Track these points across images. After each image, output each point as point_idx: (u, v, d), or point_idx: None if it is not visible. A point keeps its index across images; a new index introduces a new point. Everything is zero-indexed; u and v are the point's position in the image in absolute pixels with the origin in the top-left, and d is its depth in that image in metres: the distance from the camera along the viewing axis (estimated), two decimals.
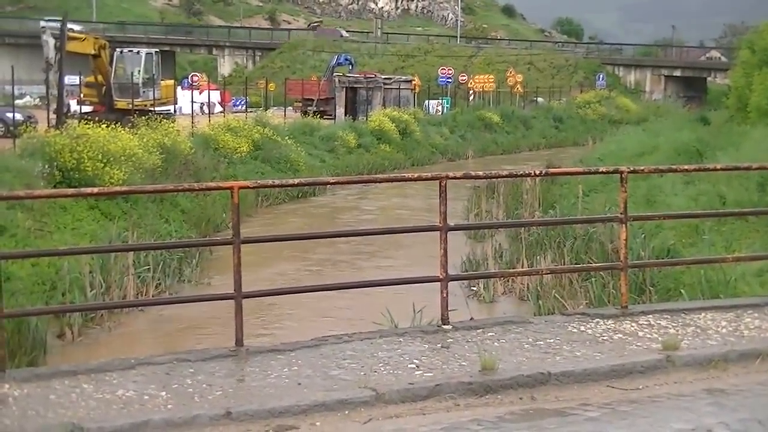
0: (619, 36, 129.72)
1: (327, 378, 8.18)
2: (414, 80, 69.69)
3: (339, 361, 8.67)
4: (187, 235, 27.88)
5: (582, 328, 9.72)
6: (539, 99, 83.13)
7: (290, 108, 63.56)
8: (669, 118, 58.66)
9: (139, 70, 44.74)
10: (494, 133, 67.03)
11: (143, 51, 46.59)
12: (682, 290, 18.63)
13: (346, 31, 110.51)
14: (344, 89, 62.02)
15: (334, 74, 67.86)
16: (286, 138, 45.06)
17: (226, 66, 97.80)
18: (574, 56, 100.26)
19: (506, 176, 12.33)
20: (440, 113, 69.98)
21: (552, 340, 9.26)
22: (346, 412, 7.52)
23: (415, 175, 10.16)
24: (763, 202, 22.81)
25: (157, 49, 49.22)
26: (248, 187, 9.12)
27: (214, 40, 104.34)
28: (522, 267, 22.67)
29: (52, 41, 35.59)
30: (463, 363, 8.54)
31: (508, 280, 22.94)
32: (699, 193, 26.33)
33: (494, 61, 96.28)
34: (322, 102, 64.64)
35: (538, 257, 23.26)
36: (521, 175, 11.77)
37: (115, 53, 44.75)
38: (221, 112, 58.76)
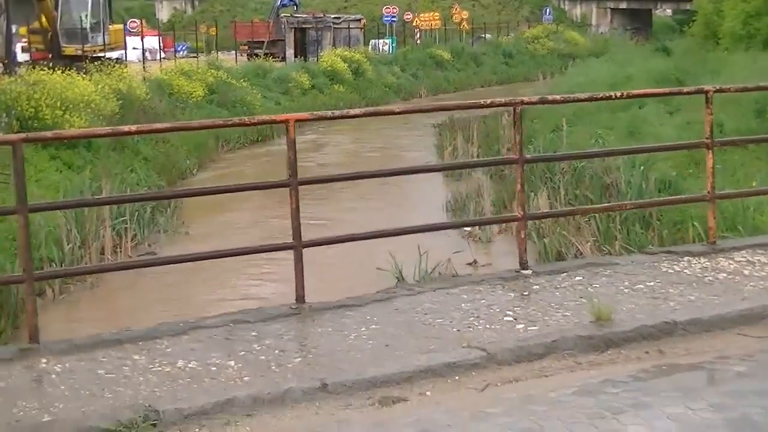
0: None
1: (418, 337, 7.06)
2: (363, 19, 68.11)
3: (420, 316, 7.55)
4: (155, 184, 26.55)
5: (677, 268, 8.65)
6: (486, 35, 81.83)
7: (233, 52, 61.84)
8: (624, 49, 57.73)
9: (86, 14, 42.83)
10: (445, 71, 65.76)
11: None
12: (695, 223, 17.66)
13: None
14: (293, 30, 60.25)
15: (281, 16, 66.09)
16: (241, 81, 43.57)
17: (164, 11, 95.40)
18: None
19: (585, 99, 11.22)
20: (386, 53, 68.50)
21: (652, 283, 8.19)
22: (457, 377, 6.42)
23: (488, 101, 8.99)
24: (763, 129, 21.92)
25: None
26: (305, 119, 7.92)
27: None
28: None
29: None
30: (566, 313, 7.46)
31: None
32: (688, 121, 25.40)
33: None
34: (270, 44, 62.91)
35: (533, 194, 22.12)
36: (601, 98, 10.50)
37: None
38: (163, 58, 56.97)
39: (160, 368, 6.61)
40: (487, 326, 7.23)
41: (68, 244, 18.63)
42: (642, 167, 21.63)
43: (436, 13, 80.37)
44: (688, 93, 10.88)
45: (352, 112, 8.46)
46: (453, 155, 30.04)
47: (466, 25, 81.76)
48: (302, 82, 49.16)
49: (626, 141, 26.15)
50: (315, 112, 7.84)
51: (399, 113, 8.46)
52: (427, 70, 63.79)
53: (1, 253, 17.43)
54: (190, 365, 6.64)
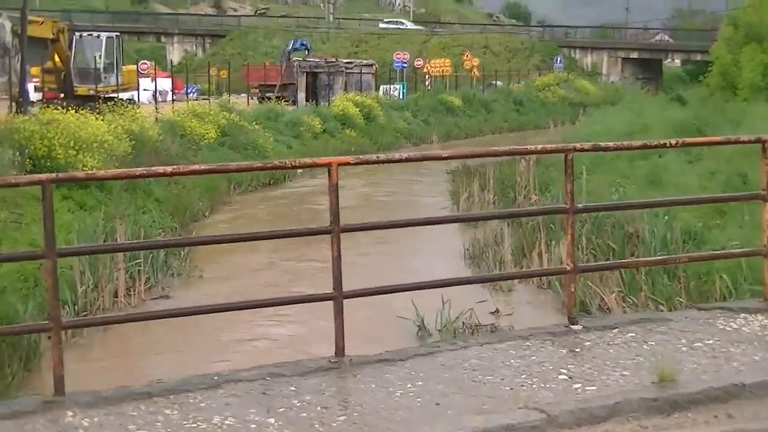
0: (564, 20, 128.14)
1: (468, 395, 6.62)
2: (374, 65, 68.02)
3: (469, 372, 7.11)
4: (169, 225, 26.14)
5: (734, 325, 8.20)
6: (497, 82, 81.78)
7: (243, 95, 61.68)
8: (638, 99, 57.43)
9: (100, 55, 42.66)
10: (456, 117, 65.53)
11: (104, 35, 44.36)
12: (723, 276, 17.21)
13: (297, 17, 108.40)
14: (305, 74, 60.18)
15: (292, 59, 66.02)
16: (253, 124, 43.29)
17: (175, 53, 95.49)
18: (530, 39, 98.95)
19: (638, 147, 10.67)
20: (397, 98, 68.32)
21: (711, 341, 7.74)
22: None
23: (539, 147, 8.56)
24: None
25: (118, 33, 47.07)
26: (348, 163, 7.51)
27: (162, 27, 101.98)
28: (537, 257, 21.16)
29: (9, 25, 33.61)
30: (625, 372, 7.00)
31: (522, 267, 21.46)
32: (712, 171, 25.04)
33: (449, 45, 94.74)
34: (281, 88, 62.78)
35: (553, 242, 21.67)
36: (655, 146, 10.02)
37: (74, 37, 42.62)
38: (174, 99, 56.76)
39: (194, 425, 6.17)
40: (542, 385, 6.79)
41: (81, 287, 18.24)
42: (666, 217, 21.21)
43: (447, 60, 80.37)
44: (747, 142, 10.35)
45: (397, 156, 8.07)
46: (469, 202, 29.61)
47: (476, 72, 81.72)
48: (314, 126, 48.87)
49: (646, 190, 25.73)
50: (359, 156, 7.46)
51: (446, 158, 8.03)
52: (438, 116, 63.55)
53: (12, 294, 17.04)
54: (227, 422, 6.20)
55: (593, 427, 6.15)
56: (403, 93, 70.15)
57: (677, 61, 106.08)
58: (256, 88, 63.89)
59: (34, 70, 42.84)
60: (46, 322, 6.80)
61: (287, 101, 57.25)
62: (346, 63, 63.63)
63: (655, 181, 26.32)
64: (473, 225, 28.52)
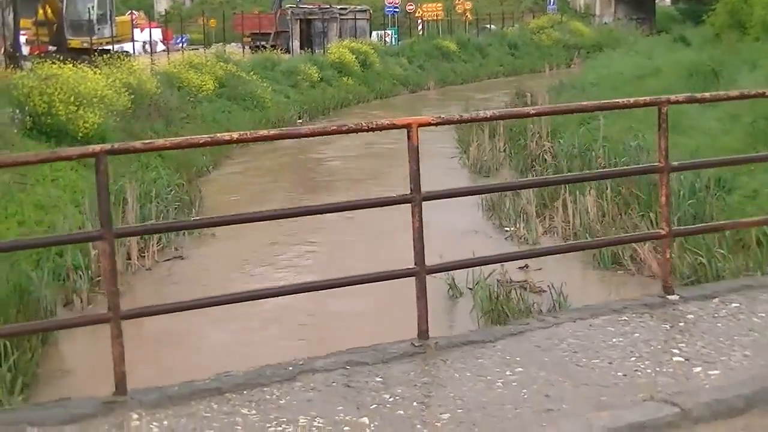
0: None
1: (579, 383, 5.90)
2: (369, 10, 66.88)
3: (570, 354, 6.38)
4: (176, 182, 25.28)
5: None
6: (491, 26, 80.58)
7: (234, 44, 60.38)
8: (641, 41, 56.41)
9: (92, 6, 41.58)
10: (452, 62, 64.52)
11: None
12: None
13: None
14: (298, 21, 59.00)
15: (284, 7, 64.82)
16: (251, 73, 42.33)
17: (162, 3, 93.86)
18: None
19: (735, 97, 9.77)
20: (388, 44, 67.20)
21: None
22: None
23: (631, 101, 7.80)
24: None
25: None
26: (430, 124, 6.76)
27: None
28: (562, 207, 20.41)
29: None
30: (746, 352, 6.29)
31: (544, 219, 20.74)
32: (730, 114, 24.31)
33: None
34: (273, 36, 61.58)
35: (578, 193, 20.92)
36: (755, 95, 9.07)
37: None
38: (164, 50, 55.66)
39: (279, 428, 5.45)
40: (657, 369, 6.07)
41: (93, 250, 17.49)
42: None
43: (439, 4, 79.12)
44: None
45: (482, 114, 7.33)
46: (479, 151, 28.81)
47: (469, 16, 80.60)
48: (311, 74, 47.93)
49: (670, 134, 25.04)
50: (440, 116, 6.70)
51: (534, 115, 7.23)
52: (434, 62, 62.57)
53: (24, 261, 16.31)
54: (315, 423, 5.48)
55: (731, 420, 5.44)
56: (395, 39, 69.11)
57: (667, 0, 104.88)
58: (248, 36, 62.61)
59: (24, 22, 41.81)
60: (105, 311, 6.05)
61: (280, 50, 56.18)
62: (340, 9, 62.48)
63: (674, 126, 25.54)
64: (485, 174, 27.88)
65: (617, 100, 7.95)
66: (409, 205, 6.76)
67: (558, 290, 14.74)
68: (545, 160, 26.57)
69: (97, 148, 5.82)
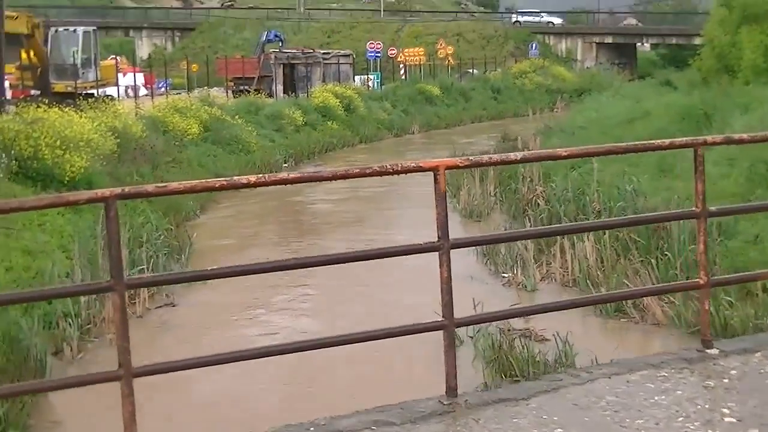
0: (532, 5, 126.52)
1: None
2: (352, 54, 66.81)
3: (611, 414, 5.97)
4: (164, 227, 24.83)
5: None
6: (473, 70, 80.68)
7: (216, 88, 60.01)
8: (626, 85, 56.40)
9: (77, 50, 41.21)
10: (435, 107, 64.47)
11: (80, 29, 42.74)
12: None
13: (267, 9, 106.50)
14: (281, 65, 58.79)
15: (267, 51, 64.67)
16: (236, 117, 42.03)
17: (144, 48, 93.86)
18: (503, 26, 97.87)
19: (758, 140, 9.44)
20: (370, 88, 67.07)
21: None
22: None
23: (667, 142, 7.46)
24: None
25: (95, 27, 45.53)
26: (457, 167, 6.44)
27: (130, 21, 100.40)
28: (560, 252, 20.09)
29: None
30: None
31: (541, 265, 20.38)
32: (726, 157, 24.05)
33: (422, 34, 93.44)
34: (254, 80, 61.35)
35: (575, 239, 20.59)
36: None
37: (50, 32, 41.18)
38: (146, 94, 55.29)
39: None
40: (710, 431, 5.70)
41: (84, 298, 17.06)
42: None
43: (421, 49, 79.44)
44: None
45: (512, 155, 7.00)
46: (470, 196, 28.48)
47: (451, 60, 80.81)
48: (295, 118, 47.69)
49: (659, 179, 24.83)
50: (468, 157, 6.38)
51: (565, 157, 6.87)
52: (418, 106, 62.49)
53: (12, 307, 15.85)
54: None
55: None
56: (377, 83, 69.05)
57: (647, 46, 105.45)
58: (231, 81, 62.37)
59: (8, 68, 41.42)
60: (116, 369, 5.65)
61: (264, 94, 55.94)
62: (324, 53, 62.38)
63: (670, 169, 25.34)
64: (476, 218, 27.55)
65: (652, 142, 7.57)
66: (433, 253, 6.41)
67: (563, 339, 14.31)
68: (538, 204, 26.26)
69: (106, 192, 5.44)
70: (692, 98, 30.81)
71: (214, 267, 5.94)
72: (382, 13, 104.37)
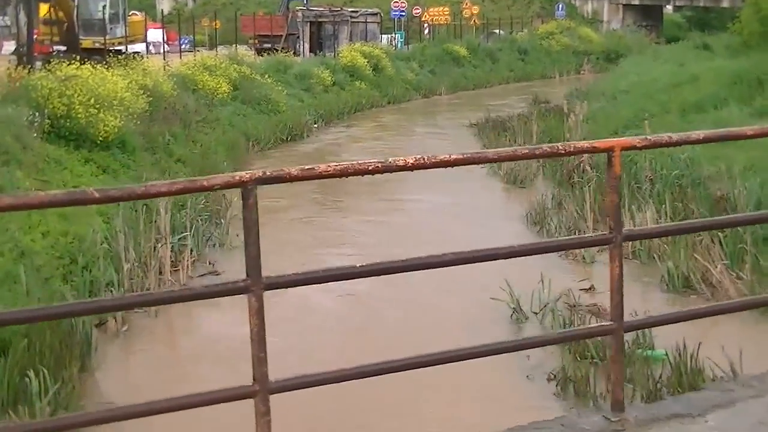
0: None
1: None
2: (380, 13, 65.64)
3: None
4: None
5: None
6: (499, 31, 79.47)
7: (238, 46, 58.88)
8: (663, 49, 55.15)
9: (105, 5, 40.24)
10: (462, 68, 63.35)
11: None
12: None
13: None
14: (308, 24, 57.71)
15: (292, 9, 63.65)
16: (265, 77, 41.12)
17: (165, 4, 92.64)
18: None
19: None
20: (395, 48, 65.96)
21: None
22: None
23: None
24: None
25: None
26: (634, 147, 5.58)
27: None
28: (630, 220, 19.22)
29: None
30: None
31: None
32: None
33: None
34: (278, 39, 60.26)
35: (633, 208, 19.70)
36: None
37: None
38: (169, 51, 54.24)
39: None
40: None
41: (126, 264, 16.29)
42: (758, 178, 19.31)
43: (446, 8, 78.14)
44: None
45: (693, 135, 6.11)
46: (512, 164, 27.50)
47: (477, 20, 79.54)
48: (324, 78, 46.72)
49: (713, 149, 23.90)
50: (646, 137, 5.47)
51: (751, 136, 5.92)
52: (445, 67, 61.41)
53: (55, 280, 15.14)
54: None
55: None
56: (400, 43, 67.97)
57: (669, 8, 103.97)
58: (254, 39, 61.35)
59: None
60: (250, 384, 4.79)
61: (287, 52, 54.92)
62: (351, 12, 61.17)
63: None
64: (520, 185, 26.73)
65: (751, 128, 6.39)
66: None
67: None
68: (584, 171, 25.40)
69: (245, 175, 4.61)
70: (741, 63, 29.80)
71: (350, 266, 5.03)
72: None
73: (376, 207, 24.40)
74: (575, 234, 19.52)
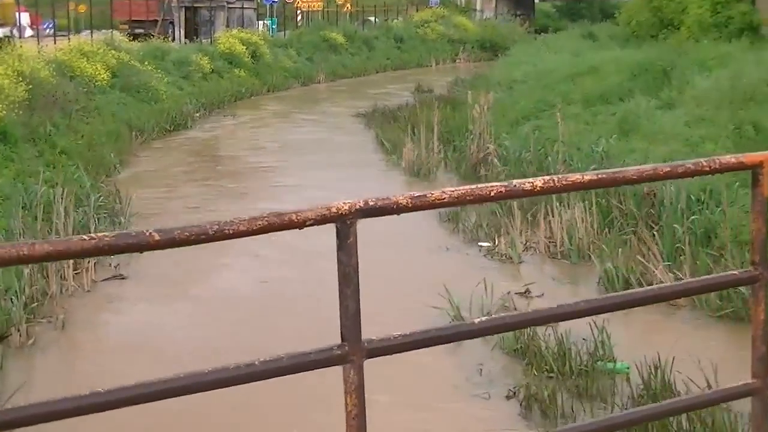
0: None
1: None
2: None
3: None
4: (84, 183, 22.22)
5: None
6: (373, 18, 78.52)
7: (104, 31, 56.46)
8: (555, 38, 54.72)
9: None
10: (339, 55, 62.17)
11: None
12: None
13: None
14: (183, 9, 55.84)
15: None
16: (145, 63, 39.45)
17: None
18: None
19: None
20: (268, 35, 64.39)
21: None
22: None
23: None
24: None
25: None
26: None
27: None
28: (543, 219, 18.36)
29: None
30: None
31: (526, 231, 18.59)
32: (697, 117, 22.67)
33: None
34: (150, 24, 58.23)
35: (558, 205, 18.82)
36: None
37: None
38: (32, 36, 51.76)
39: None
40: None
41: (26, 268, 14.81)
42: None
43: None
44: None
45: None
46: (414, 153, 26.48)
47: (350, 7, 78.52)
48: (203, 65, 45.20)
49: (622, 139, 23.32)
50: None
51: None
52: (322, 54, 60.17)
53: None
54: None
55: None
56: (272, 29, 66.51)
57: None
58: (124, 23, 59.11)
59: None
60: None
61: (164, 38, 53.03)
62: None
63: (629, 130, 23.83)
64: (423, 177, 25.76)
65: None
66: None
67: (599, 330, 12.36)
68: (491, 163, 24.58)
69: (343, 207, 3.45)
70: (642, 54, 29.34)
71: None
72: None
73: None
74: (495, 232, 18.61)
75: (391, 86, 52.90)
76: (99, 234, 3.05)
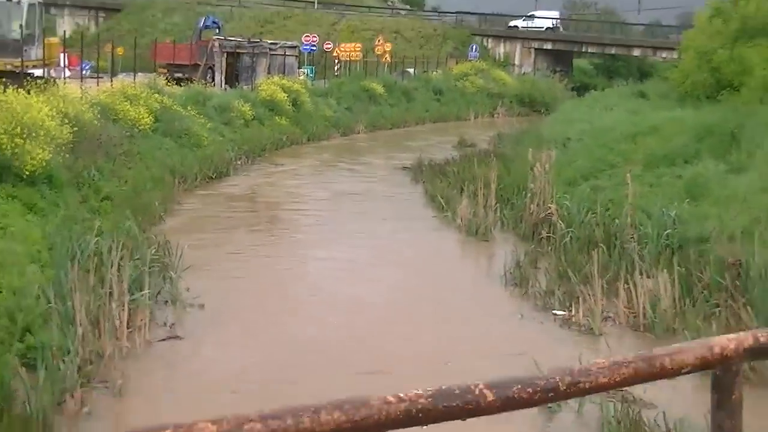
0: (458, 6, 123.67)
1: None
2: (298, 47, 63.44)
3: None
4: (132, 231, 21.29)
5: None
6: (411, 70, 77.77)
7: (142, 74, 55.87)
8: (605, 94, 53.64)
9: (21, 24, 37.25)
10: (379, 106, 61.28)
11: (25, 0, 38.69)
12: None
13: None
14: (225, 54, 55.02)
15: (204, 38, 61.16)
16: (187, 108, 38.62)
17: (65, 26, 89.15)
18: (443, 26, 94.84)
19: None
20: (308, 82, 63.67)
21: None
22: None
23: None
24: None
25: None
26: None
27: None
28: (623, 288, 17.30)
29: None
30: None
31: (602, 299, 17.48)
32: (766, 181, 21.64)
33: (359, 29, 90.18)
34: (191, 68, 57.59)
35: (629, 268, 17.77)
36: None
37: None
38: (68, 77, 51.14)
39: None
40: None
41: (79, 328, 13.81)
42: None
43: (358, 44, 76.28)
44: None
45: None
46: (469, 211, 25.47)
47: (388, 58, 77.84)
48: (244, 112, 44.31)
49: (691, 204, 22.26)
50: None
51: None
52: (362, 104, 59.30)
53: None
54: None
55: None
56: (311, 77, 65.84)
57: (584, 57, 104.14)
58: (163, 67, 58.51)
59: None
60: None
61: (206, 83, 52.28)
62: (271, 44, 58.67)
63: (698, 195, 22.73)
64: (482, 237, 24.73)
65: None
66: None
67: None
68: (553, 225, 23.52)
69: (728, 344, 2.44)
70: (708, 115, 28.25)
71: None
72: (316, 5, 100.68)
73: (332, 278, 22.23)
74: (572, 300, 17.55)
75: (431, 138, 52.15)
76: (411, 393, 2.03)
